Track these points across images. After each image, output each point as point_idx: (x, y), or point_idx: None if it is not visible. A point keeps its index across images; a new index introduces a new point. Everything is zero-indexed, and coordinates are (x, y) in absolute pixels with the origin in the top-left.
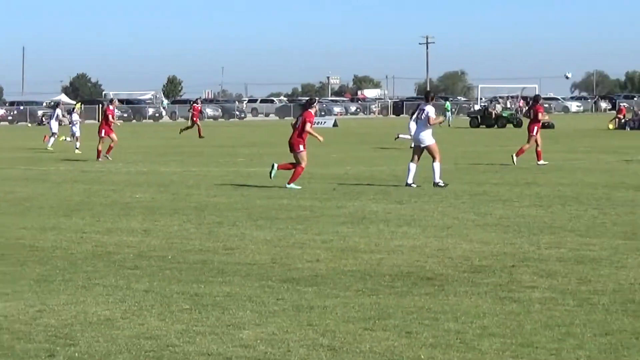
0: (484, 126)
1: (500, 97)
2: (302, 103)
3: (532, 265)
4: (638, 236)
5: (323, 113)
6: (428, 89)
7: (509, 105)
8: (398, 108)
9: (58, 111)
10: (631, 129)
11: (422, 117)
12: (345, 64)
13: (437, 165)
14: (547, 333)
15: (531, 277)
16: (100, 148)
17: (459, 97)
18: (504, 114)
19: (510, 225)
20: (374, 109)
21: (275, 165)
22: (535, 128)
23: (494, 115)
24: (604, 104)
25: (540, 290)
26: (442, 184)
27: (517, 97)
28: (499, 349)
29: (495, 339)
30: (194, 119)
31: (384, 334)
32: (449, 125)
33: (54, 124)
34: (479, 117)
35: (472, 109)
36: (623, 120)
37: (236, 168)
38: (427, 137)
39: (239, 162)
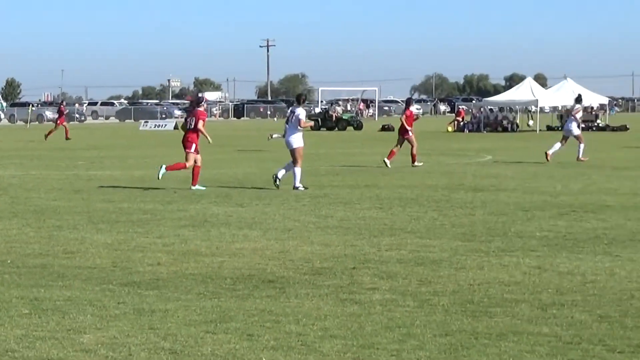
0: (325, 129)
1: (340, 100)
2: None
3: (373, 267)
4: (477, 237)
5: (164, 116)
6: (269, 92)
7: (349, 108)
8: (239, 111)
9: None
10: (470, 131)
11: (292, 120)
12: (186, 66)
13: (297, 170)
14: (388, 334)
15: (372, 279)
16: None
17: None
18: (344, 117)
19: (351, 227)
20: (215, 112)
21: (164, 167)
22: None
23: (334, 118)
24: (443, 107)
25: (381, 292)
26: (302, 188)
27: (357, 99)
28: (340, 350)
29: (337, 340)
30: (59, 121)
31: (225, 337)
32: None
33: None
34: (319, 119)
35: (312, 112)
36: (462, 123)
37: (76, 171)
38: (296, 140)
39: (79, 165)
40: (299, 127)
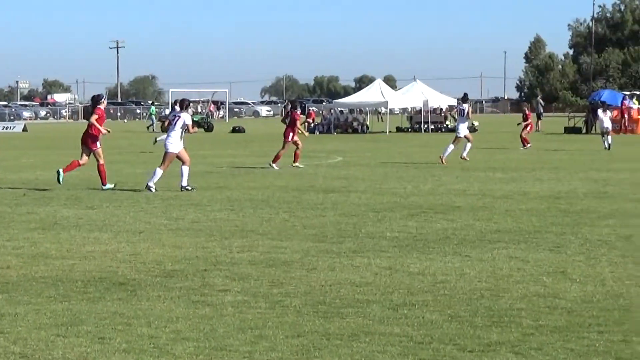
0: None
1: (191, 102)
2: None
3: (225, 269)
4: (328, 239)
5: (12, 118)
6: (119, 93)
7: (199, 110)
8: (89, 113)
9: None
10: (320, 132)
11: (175, 124)
12: (35, 67)
13: (185, 169)
14: (240, 336)
15: (224, 281)
16: None
17: (150, 102)
18: (195, 119)
19: (203, 229)
20: (65, 114)
21: (61, 171)
22: (291, 134)
23: None
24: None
25: (233, 294)
26: (190, 188)
27: (207, 101)
28: (192, 352)
29: (189, 343)
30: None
31: (76, 340)
32: (153, 130)
33: None
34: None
35: (163, 114)
36: (312, 125)
37: None
38: (173, 145)
39: None
40: (184, 133)
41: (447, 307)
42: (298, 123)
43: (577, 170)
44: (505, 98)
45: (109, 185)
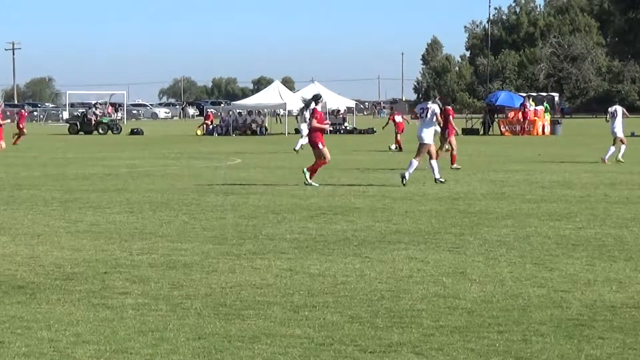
0: (83, 132)
1: (98, 103)
2: None
3: (125, 272)
4: (228, 241)
5: None
6: (15, 95)
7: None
8: None
9: None
10: (219, 134)
11: (428, 116)
12: None
13: (434, 162)
14: (141, 339)
15: (124, 283)
16: None
17: (47, 104)
18: (104, 120)
19: (102, 232)
20: None
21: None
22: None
23: (93, 122)
24: (191, 110)
25: (133, 296)
26: (443, 180)
27: (105, 103)
28: (93, 356)
29: (90, 346)
30: (20, 125)
31: None
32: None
33: None
34: (78, 123)
35: (60, 115)
36: (211, 126)
37: None
38: (427, 136)
39: None
40: (433, 121)
41: (347, 308)
42: (314, 122)
43: (475, 171)
44: (404, 100)
45: None
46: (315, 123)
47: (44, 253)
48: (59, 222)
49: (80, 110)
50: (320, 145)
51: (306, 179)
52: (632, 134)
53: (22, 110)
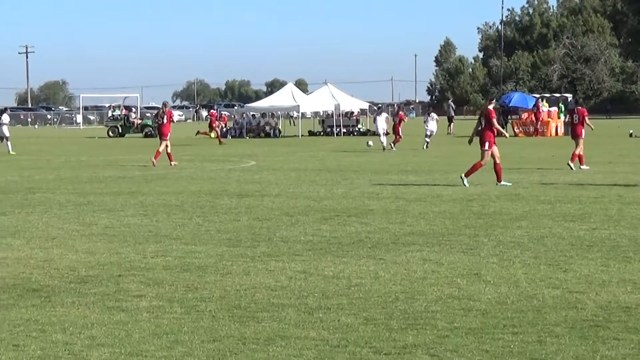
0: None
1: (133, 107)
2: None
3: (139, 274)
4: (242, 243)
5: None
6: (29, 99)
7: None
8: None
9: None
10: (232, 137)
11: None
12: None
13: None
14: (156, 341)
15: (138, 286)
16: None
17: (60, 107)
18: (148, 123)
19: (116, 235)
20: None
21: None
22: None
23: (136, 124)
24: (205, 113)
25: (148, 299)
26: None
27: (119, 106)
28: (107, 358)
29: (104, 349)
30: (213, 125)
31: None
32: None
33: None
34: (119, 127)
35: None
36: (225, 129)
37: None
38: None
39: None
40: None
41: (362, 310)
42: (494, 121)
43: (489, 173)
44: (417, 101)
45: None
46: (494, 123)
47: (58, 256)
48: (73, 225)
49: (116, 113)
50: (487, 146)
51: (464, 184)
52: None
53: (212, 111)
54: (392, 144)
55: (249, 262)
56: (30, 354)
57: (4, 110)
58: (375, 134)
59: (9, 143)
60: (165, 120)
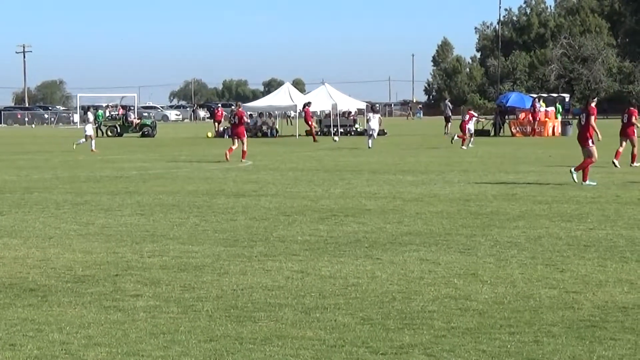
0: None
1: (131, 106)
2: None
3: (136, 274)
4: (239, 243)
5: None
6: (26, 98)
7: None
8: None
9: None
10: (229, 136)
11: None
12: None
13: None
14: (153, 341)
15: (135, 286)
16: None
17: (58, 107)
18: (147, 122)
19: (113, 234)
20: None
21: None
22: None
23: (135, 124)
24: (202, 113)
25: (145, 299)
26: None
27: (116, 106)
28: (104, 358)
29: (101, 348)
30: (309, 122)
31: None
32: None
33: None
34: (117, 126)
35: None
36: (222, 129)
37: None
38: None
39: None
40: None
41: (359, 310)
42: (592, 120)
43: (486, 173)
44: (414, 101)
45: None
46: (592, 121)
47: (55, 256)
48: (70, 224)
49: (113, 113)
50: (590, 142)
51: (574, 179)
52: None
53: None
54: (462, 142)
55: (246, 262)
56: (27, 353)
57: (88, 108)
58: (366, 133)
59: (92, 142)
60: (237, 121)
